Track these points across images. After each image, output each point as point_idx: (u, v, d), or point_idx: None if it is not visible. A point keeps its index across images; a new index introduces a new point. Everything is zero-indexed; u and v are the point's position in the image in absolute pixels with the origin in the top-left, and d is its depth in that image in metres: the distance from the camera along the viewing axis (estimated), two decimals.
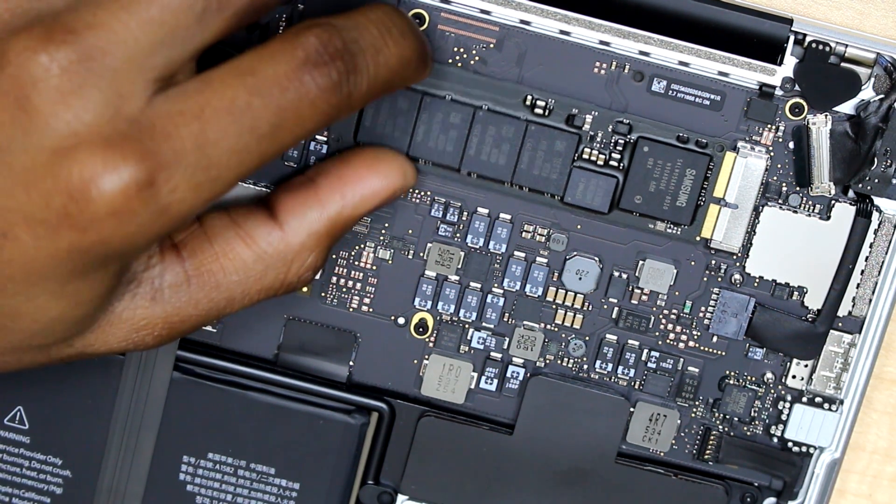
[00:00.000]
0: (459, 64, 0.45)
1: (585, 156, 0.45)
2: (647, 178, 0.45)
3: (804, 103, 0.45)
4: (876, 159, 0.45)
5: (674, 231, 0.45)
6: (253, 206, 0.42)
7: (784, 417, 0.48)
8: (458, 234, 0.46)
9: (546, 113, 0.44)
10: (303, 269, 0.42)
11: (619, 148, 0.45)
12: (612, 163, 0.45)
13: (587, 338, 0.47)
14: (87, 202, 0.35)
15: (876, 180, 0.45)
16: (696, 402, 0.48)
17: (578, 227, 0.46)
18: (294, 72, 0.37)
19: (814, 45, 0.44)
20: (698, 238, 0.45)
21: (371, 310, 0.47)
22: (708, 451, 0.48)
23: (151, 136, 0.35)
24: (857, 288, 0.46)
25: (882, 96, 0.45)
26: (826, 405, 0.47)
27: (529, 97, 0.44)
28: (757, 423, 0.48)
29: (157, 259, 0.40)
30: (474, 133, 0.44)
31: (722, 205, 0.46)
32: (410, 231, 0.46)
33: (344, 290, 0.47)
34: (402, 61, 0.39)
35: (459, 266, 0.47)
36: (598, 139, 0.45)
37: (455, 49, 0.45)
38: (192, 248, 0.41)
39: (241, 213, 0.42)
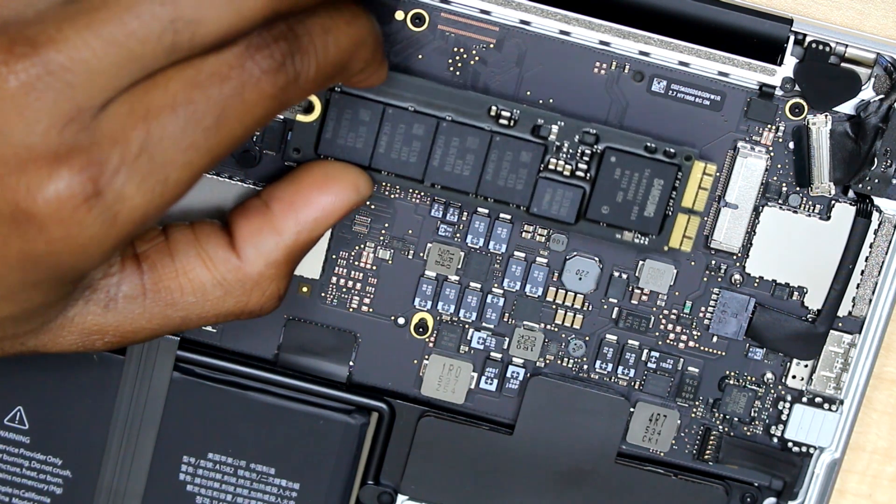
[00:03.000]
0: (460, 69, 0.45)
1: (551, 166, 0.44)
2: (615, 189, 0.44)
3: (804, 103, 0.45)
4: (876, 159, 0.45)
5: (641, 241, 0.45)
6: (217, 227, 0.42)
7: (784, 417, 0.48)
8: (458, 234, 0.46)
9: (511, 123, 0.44)
10: (264, 298, 0.42)
11: (586, 158, 0.44)
12: (579, 173, 0.44)
13: (587, 338, 0.47)
14: (33, 213, 0.35)
15: (876, 180, 0.45)
16: (696, 402, 0.48)
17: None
18: (235, 58, 0.36)
19: (814, 45, 0.44)
20: (666, 248, 0.45)
21: (371, 310, 0.47)
22: (708, 451, 0.48)
23: (100, 144, 0.35)
24: (857, 288, 0.46)
25: (882, 96, 0.45)
26: (826, 405, 0.47)
27: (494, 108, 0.43)
28: (757, 423, 0.48)
29: (116, 268, 0.40)
30: (438, 144, 0.43)
31: (723, 205, 0.46)
32: (410, 231, 0.46)
33: (344, 290, 0.47)
34: (354, 41, 0.38)
35: (459, 266, 0.47)
36: (565, 149, 0.44)
37: (455, 49, 0.45)
38: (153, 261, 0.41)
39: (206, 232, 0.41)
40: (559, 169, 0.44)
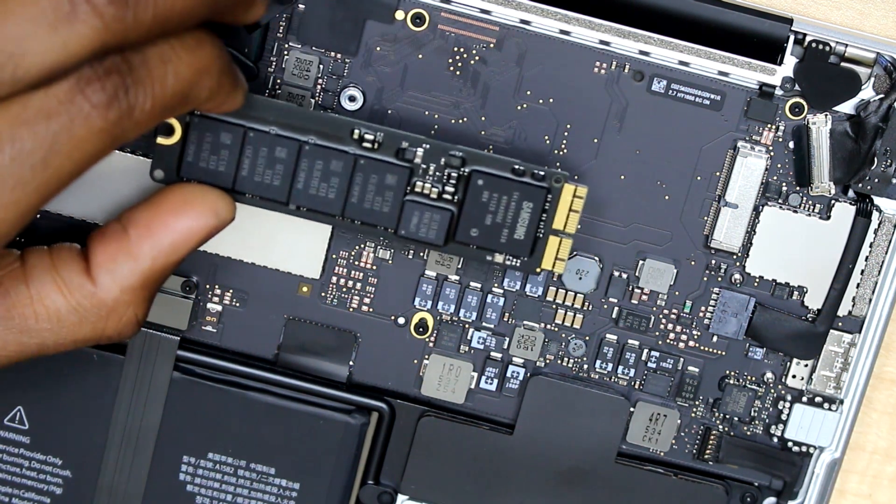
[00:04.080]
0: (460, 69, 0.45)
1: (418, 189, 0.43)
2: (483, 212, 0.43)
3: (804, 103, 0.45)
4: (876, 159, 0.45)
5: (513, 263, 0.44)
6: (76, 251, 0.41)
7: (784, 417, 0.48)
8: None
9: (375, 146, 0.43)
10: (121, 323, 0.41)
11: (453, 181, 0.43)
12: (446, 196, 0.43)
13: (587, 338, 0.47)
14: None
15: (876, 180, 0.45)
16: (696, 402, 0.48)
17: (578, 227, 0.46)
18: (64, 93, 0.34)
19: (814, 44, 0.44)
20: (539, 270, 0.44)
21: (371, 310, 0.47)
22: (708, 451, 0.48)
23: None
24: (857, 288, 0.46)
25: (882, 96, 0.45)
26: (826, 405, 0.47)
27: (357, 131, 0.42)
28: (757, 422, 0.48)
29: None
30: (301, 167, 0.42)
31: (723, 205, 0.46)
32: None
33: (344, 290, 0.47)
34: (196, 70, 0.37)
35: (459, 266, 0.47)
36: (431, 172, 0.43)
37: (455, 49, 0.45)
38: (6, 288, 0.39)
39: (63, 258, 0.40)
40: (425, 192, 0.43)
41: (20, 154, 0.34)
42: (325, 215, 0.43)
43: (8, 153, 0.34)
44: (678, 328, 0.47)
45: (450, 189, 0.43)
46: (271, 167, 0.42)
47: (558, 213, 0.43)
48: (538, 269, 0.44)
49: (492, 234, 0.43)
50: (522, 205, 0.43)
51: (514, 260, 0.44)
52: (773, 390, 0.47)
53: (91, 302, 0.40)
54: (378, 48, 0.45)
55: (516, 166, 0.43)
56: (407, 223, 0.43)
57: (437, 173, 0.43)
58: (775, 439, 0.48)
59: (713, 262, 0.46)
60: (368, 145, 0.42)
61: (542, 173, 0.43)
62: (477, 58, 0.45)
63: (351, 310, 0.47)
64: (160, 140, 0.42)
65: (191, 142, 0.42)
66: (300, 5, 0.44)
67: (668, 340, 0.47)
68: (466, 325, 0.47)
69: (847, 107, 0.45)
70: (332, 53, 0.45)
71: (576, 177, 0.45)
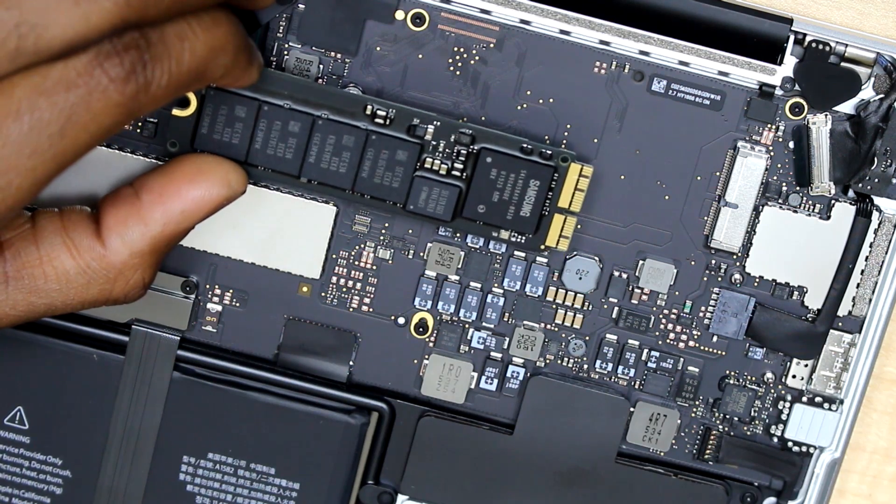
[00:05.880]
0: (460, 69, 0.45)
1: (427, 165, 0.44)
2: (491, 188, 0.44)
3: (804, 103, 0.45)
4: (876, 159, 0.45)
5: (518, 240, 0.45)
6: (86, 214, 0.42)
7: (784, 417, 0.48)
8: (458, 234, 0.46)
9: (387, 122, 0.43)
10: (128, 286, 0.42)
11: (462, 158, 0.44)
12: (455, 172, 0.44)
13: (587, 338, 0.47)
14: None
15: (876, 180, 0.45)
16: (696, 402, 0.48)
17: (579, 226, 0.46)
18: (84, 66, 0.35)
19: (814, 44, 0.44)
20: (543, 247, 0.45)
21: (371, 310, 0.47)
22: (708, 451, 0.48)
23: None
24: (857, 288, 0.46)
25: (882, 96, 0.45)
26: (826, 405, 0.47)
27: (369, 107, 0.43)
28: (757, 422, 0.48)
29: None
30: (314, 141, 0.43)
31: (723, 205, 0.46)
32: (410, 231, 0.46)
33: (344, 290, 0.47)
34: (212, 48, 0.38)
35: (459, 266, 0.47)
36: (441, 149, 0.44)
37: (455, 49, 0.45)
38: (16, 248, 0.40)
39: (73, 220, 0.41)
40: (435, 168, 0.44)
41: (38, 123, 0.35)
42: (336, 189, 0.44)
43: (27, 122, 0.35)
44: (678, 328, 0.47)
45: (459, 166, 0.44)
46: (284, 140, 0.43)
47: (564, 191, 0.44)
48: (542, 246, 0.45)
49: (498, 210, 0.44)
50: (529, 183, 0.44)
51: (520, 237, 0.45)
52: (773, 390, 0.47)
53: (100, 264, 0.41)
54: (378, 48, 0.45)
55: (525, 145, 0.44)
56: (416, 198, 0.44)
57: (447, 150, 0.44)
58: (775, 439, 0.48)
59: (713, 262, 0.46)
60: (380, 121, 0.43)
61: (549, 152, 0.44)
62: (477, 58, 0.45)
63: (351, 310, 0.47)
64: (175, 111, 0.43)
65: (206, 114, 0.43)
66: (300, 5, 0.44)
67: (668, 340, 0.47)
68: (466, 325, 0.47)
69: (847, 107, 0.45)
70: (332, 53, 0.45)
71: None
